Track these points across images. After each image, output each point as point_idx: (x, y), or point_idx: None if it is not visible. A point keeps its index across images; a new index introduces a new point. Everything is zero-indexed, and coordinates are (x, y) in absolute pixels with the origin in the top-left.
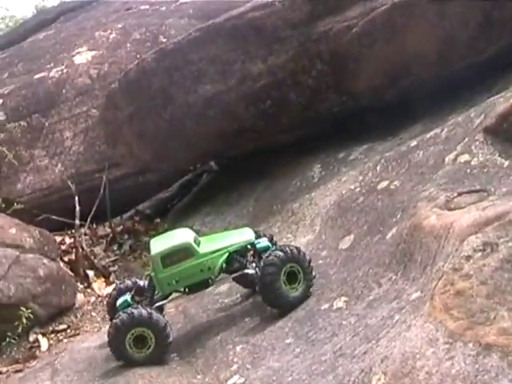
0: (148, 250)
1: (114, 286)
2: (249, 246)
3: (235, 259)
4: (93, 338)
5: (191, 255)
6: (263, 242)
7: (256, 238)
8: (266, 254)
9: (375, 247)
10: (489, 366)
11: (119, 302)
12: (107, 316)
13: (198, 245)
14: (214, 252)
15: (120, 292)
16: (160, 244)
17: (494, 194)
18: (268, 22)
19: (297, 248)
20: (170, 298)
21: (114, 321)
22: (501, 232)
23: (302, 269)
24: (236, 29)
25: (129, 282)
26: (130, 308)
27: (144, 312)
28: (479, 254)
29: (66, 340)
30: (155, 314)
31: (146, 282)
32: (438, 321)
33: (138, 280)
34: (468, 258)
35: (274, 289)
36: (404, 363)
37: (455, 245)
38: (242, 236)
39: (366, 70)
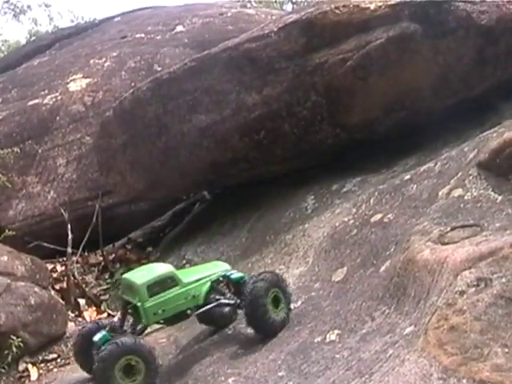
0: (124, 285)
1: (78, 331)
2: (221, 278)
3: (215, 289)
4: None
5: (176, 284)
6: (236, 274)
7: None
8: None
9: (368, 280)
10: None
11: (97, 338)
12: None
13: None
14: (198, 281)
15: (88, 334)
16: (142, 275)
17: (488, 229)
18: (263, 53)
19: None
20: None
21: (103, 350)
22: (494, 267)
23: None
24: (231, 59)
25: (94, 324)
26: (117, 338)
27: (133, 340)
28: (473, 289)
29: (56, 369)
30: (143, 343)
31: (118, 320)
32: (431, 356)
33: (102, 320)
34: (462, 293)
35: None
36: None
37: (449, 279)
38: (218, 267)
39: (360, 103)
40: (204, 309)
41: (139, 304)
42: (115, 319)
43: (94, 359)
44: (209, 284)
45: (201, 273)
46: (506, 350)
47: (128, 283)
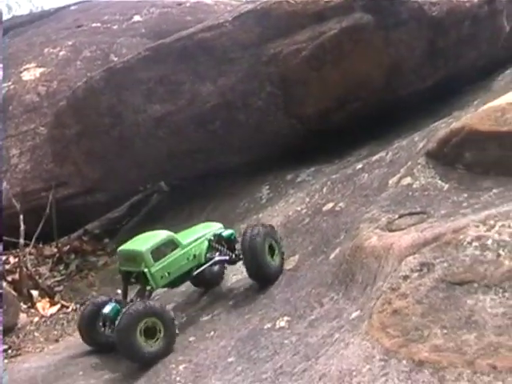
0: (122, 257)
1: (83, 309)
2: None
3: (212, 247)
4: (34, 359)
5: (176, 246)
6: (227, 231)
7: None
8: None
9: (319, 268)
10: (420, 382)
11: (107, 309)
12: (50, 336)
13: None
14: (196, 241)
15: (95, 308)
16: (142, 243)
17: (434, 216)
18: (218, 43)
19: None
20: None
21: (127, 310)
22: (437, 253)
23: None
24: (186, 49)
25: (99, 299)
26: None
27: (156, 303)
28: (416, 274)
29: (6, 361)
30: (164, 307)
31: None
32: (374, 339)
33: (104, 298)
34: (405, 277)
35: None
36: (341, 380)
37: (394, 265)
38: (211, 227)
39: (314, 94)
40: (204, 267)
41: (146, 270)
42: (118, 291)
43: (103, 331)
44: (206, 243)
45: (197, 233)
46: (445, 331)
47: (128, 253)
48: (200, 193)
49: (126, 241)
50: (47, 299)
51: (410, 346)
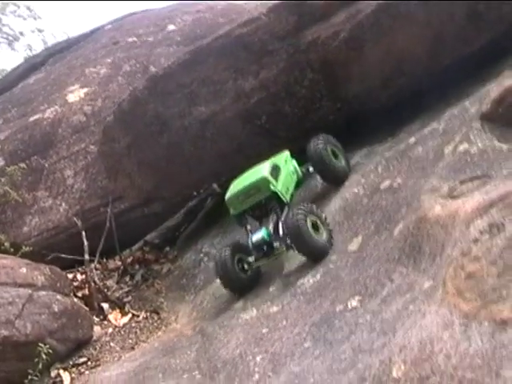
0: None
1: (219, 257)
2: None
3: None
4: (114, 367)
5: (280, 168)
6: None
7: None
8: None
9: (384, 245)
10: (506, 341)
11: (258, 236)
12: (126, 345)
13: None
14: (286, 162)
15: (234, 250)
16: (255, 174)
17: (496, 178)
18: (255, 37)
19: None
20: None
21: (294, 212)
22: (505, 212)
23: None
24: (224, 47)
25: (234, 241)
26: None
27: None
28: (486, 235)
29: (87, 372)
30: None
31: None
32: (451, 305)
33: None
34: (475, 240)
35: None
36: (422, 349)
37: (462, 230)
38: (283, 153)
39: (357, 74)
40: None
41: (276, 189)
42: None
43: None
44: (293, 161)
45: (281, 158)
46: None
47: (250, 187)
48: None
49: (185, 247)
50: (118, 310)
51: (489, 308)
